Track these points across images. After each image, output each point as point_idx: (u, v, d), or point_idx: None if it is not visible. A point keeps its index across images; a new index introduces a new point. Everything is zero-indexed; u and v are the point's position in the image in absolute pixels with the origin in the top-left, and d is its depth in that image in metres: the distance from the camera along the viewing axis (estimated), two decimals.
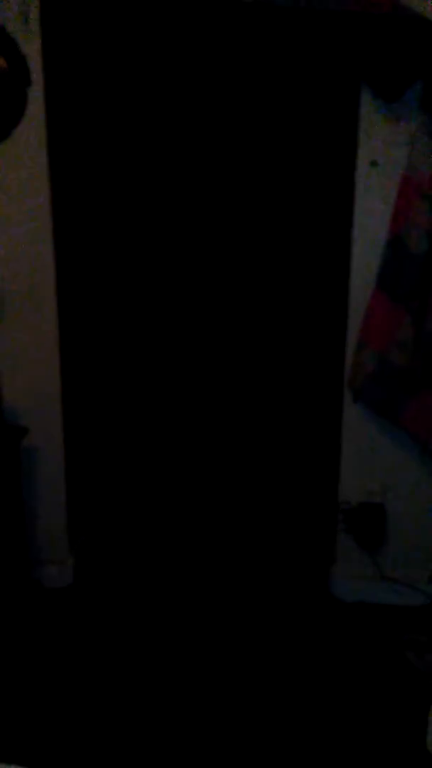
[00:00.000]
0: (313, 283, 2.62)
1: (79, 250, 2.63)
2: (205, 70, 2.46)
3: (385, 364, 2.47)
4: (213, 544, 2.91)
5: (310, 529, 2.85)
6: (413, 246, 2.36)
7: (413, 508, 2.66)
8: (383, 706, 2.23)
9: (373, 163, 2.39)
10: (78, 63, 2.45)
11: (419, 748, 1.53)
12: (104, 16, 2.40)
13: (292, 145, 2.51)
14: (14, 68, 2.34)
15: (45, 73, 2.37)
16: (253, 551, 2.90)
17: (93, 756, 1.99)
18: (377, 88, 2.30)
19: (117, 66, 2.47)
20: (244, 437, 2.81)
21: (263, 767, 1.99)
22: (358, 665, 2.42)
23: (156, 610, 2.68)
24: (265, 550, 2.90)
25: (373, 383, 2.51)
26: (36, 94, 2.37)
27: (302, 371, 2.71)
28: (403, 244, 2.38)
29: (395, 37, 2.21)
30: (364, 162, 2.40)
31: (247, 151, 2.54)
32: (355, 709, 2.22)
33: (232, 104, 2.50)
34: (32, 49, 2.34)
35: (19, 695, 2.23)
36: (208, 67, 2.46)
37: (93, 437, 2.84)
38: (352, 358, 2.54)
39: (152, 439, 2.84)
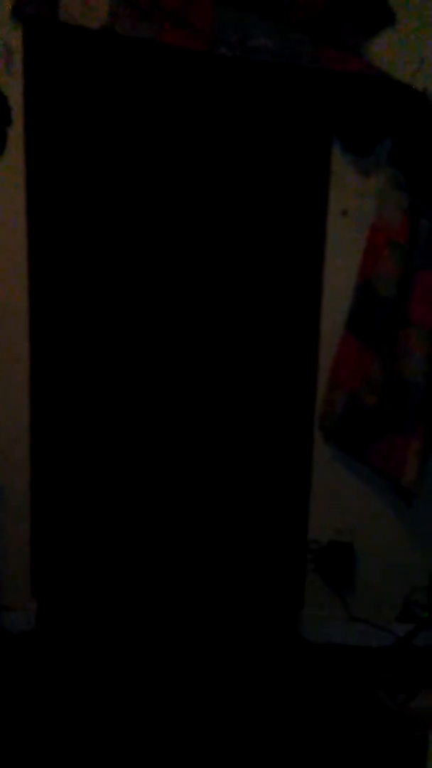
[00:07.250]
0: (285, 326, 2.69)
1: (54, 289, 2.62)
2: (183, 116, 2.54)
3: (355, 405, 2.54)
4: (180, 586, 2.87)
5: (279, 568, 2.85)
6: (382, 290, 2.46)
7: (382, 547, 2.70)
8: (360, 747, 2.23)
9: (344, 213, 2.50)
10: (58, 105, 2.49)
11: None
12: (87, 63, 2.46)
13: (266, 195, 2.60)
14: None
15: (25, 113, 2.40)
16: (220, 592, 2.87)
17: None
18: (348, 143, 2.42)
19: (97, 111, 2.53)
20: (215, 478, 2.81)
21: None
22: (329, 706, 2.41)
23: (120, 655, 2.61)
24: (232, 590, 2.87)
25: (343, 423, 2.56)
26: (15, 134, 2.40)
27: (274, 410, 2.75)
28: (372, 288, 2.47)
29: (366, 97, 2.34)
30: (335, 211, 2.50)
31: (223, 199, 2.61)
32: (332, 750, 2.21)
33: (207, 152, 2.58)
34: (14, 91, 2.37)
35: None
36: (186, 114, 2.54)
37: (60, 477, 2.78)
38: (323, 399, 2.60)
39: (119, 480, 2.81)
